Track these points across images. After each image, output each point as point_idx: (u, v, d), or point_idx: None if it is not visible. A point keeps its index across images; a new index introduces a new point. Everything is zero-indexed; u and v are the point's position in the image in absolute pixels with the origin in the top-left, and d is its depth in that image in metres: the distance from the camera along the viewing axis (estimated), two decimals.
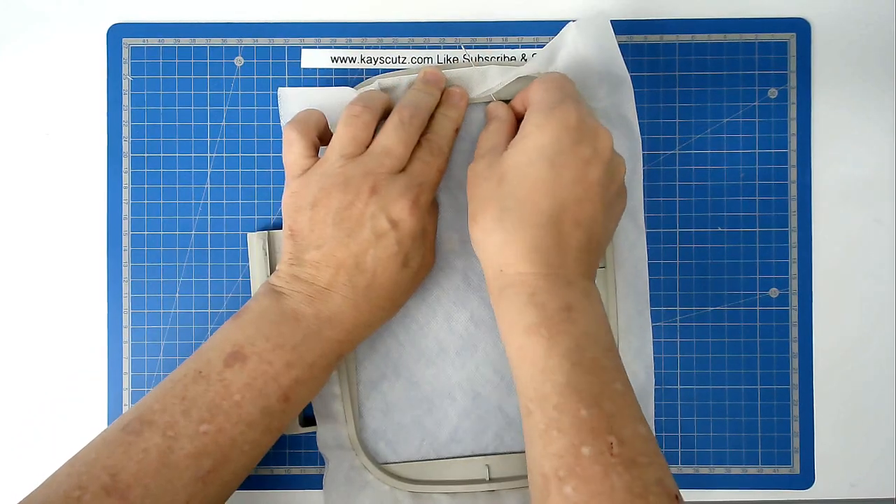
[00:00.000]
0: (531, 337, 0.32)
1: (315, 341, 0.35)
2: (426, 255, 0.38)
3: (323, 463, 0.42)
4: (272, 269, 0.41)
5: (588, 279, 0.34)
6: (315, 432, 0.41)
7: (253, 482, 0.43)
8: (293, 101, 0.40)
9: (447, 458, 0.41)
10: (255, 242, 0.41)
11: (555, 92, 0.35)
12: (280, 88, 0.41)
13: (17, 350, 0.43)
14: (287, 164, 0.37)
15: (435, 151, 0.38)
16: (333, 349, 0.36)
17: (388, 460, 0.41)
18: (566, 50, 0.40)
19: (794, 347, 0.43)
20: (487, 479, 0.41)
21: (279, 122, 0.42)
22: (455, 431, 0.41)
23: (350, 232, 0.35)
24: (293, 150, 0.37)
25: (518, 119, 0.39)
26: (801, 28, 0.43)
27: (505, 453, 0.41)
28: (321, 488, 0.42)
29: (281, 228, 0.41)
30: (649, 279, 0.42)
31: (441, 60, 0.43)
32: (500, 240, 0.34)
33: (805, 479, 0.43)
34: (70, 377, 0.43)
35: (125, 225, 0.43)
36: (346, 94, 0.40)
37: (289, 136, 0.37)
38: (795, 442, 0.43)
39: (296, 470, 0.43)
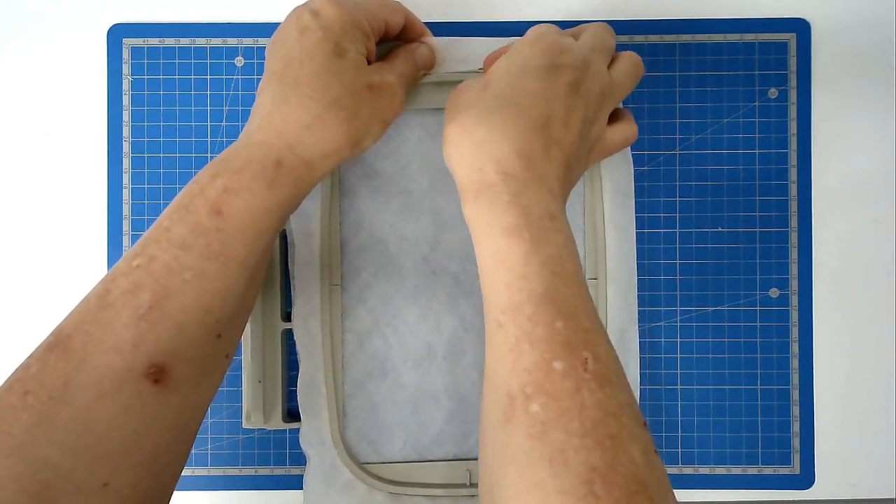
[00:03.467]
0: (511, 239, 0.30)
1: (243, 148, 0.32)
2: (382, 69, 0.36)
3: None
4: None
5: (564, 200, 0.33)
6: (298, 428, 0.41)
7: (253, 482, 0.43)
8: None
9: (429, 461, 0.41)
10: None
11: (542, 28, 0.35)
12: None
13: (18, 351, 0.43)
14: None
15: None
16: (265, 152, 0.32)
17: (370, 460, 0.41)
18: None
19: (795, 347, 0.43)
20: (468, 483, 0.41)
21: None
22: (438, 435, 0.41)
23: (281, 41, 0.34)
24: None
25: None
26: (801, 28, 0.43)
27: None
28: None
29: None
30: (649, 279, 0.42)
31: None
32: (484, 136, 0.32)
33: (805, 479, 0.43)
34: None
35: (125, 225, 0.43)
36: None
37: None
38: (795, 442, 0.43)
39: (296, 470, 0.43)
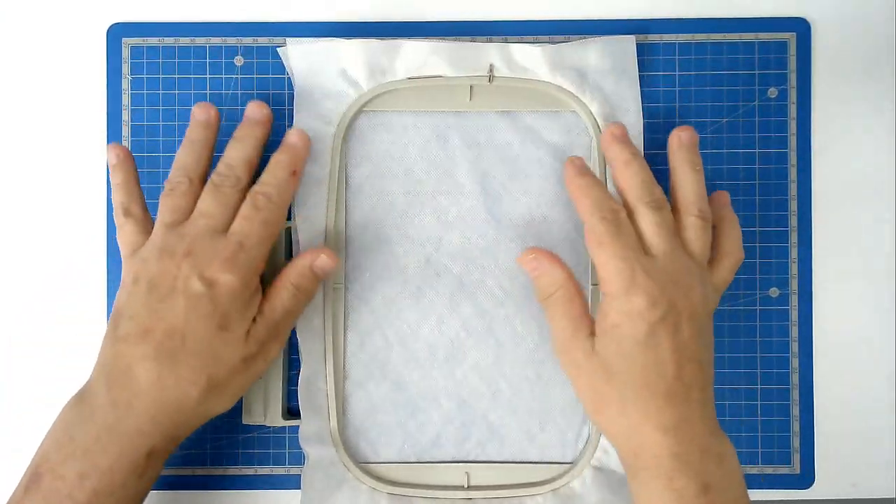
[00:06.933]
0: None
1: (111, 439, 0.31)
2: (263, 330, 0.36)
3: None
4: (268, 261, 0.41)
5: (716, 432, 0.35)
6: (297, 426, 0.41)
7: (253, 482, 0.43)
8: (296, 58, 0.41)
9: (427, 463, 0.41)
10: None
11: (618, 262, 0.34)
12: (280, 49, 0.41)
13: (15, 351, 0.43)
14: (120, 247, 0.37)
15: (259, 204, 0.36)
16: (136, 445, 0.32)
17: (369, 460, 0.41)
18: (581, 61, 0.41)
19: (795, 347, 0.43)
20: (466, 486, 0.41)
21: (280, 121, 0.42)
22: (437, 437, 0.42)
23: (162, 298, 0.34)
24: (122, 232, 0.37)
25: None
26: (801, 28, 0.43)
27: (485, 462, 0.41)
28: None
29: None
30: None
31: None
32: (628, 427, 0.34)
33: (805, 479, 0.43)
34: (70, 379, 0.43)
35: None
36: (348, 47, 0.41)
37: (116, 220, 0.38)
38: (795, 442, 0.43)
39: (295, 470, 0.43)
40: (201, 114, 0.38)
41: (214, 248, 0.34)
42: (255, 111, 0.38)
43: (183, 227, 0.36)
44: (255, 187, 0.37)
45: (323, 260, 0.38)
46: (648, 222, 0.36)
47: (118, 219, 0.38)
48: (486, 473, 0.41)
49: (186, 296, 0.33)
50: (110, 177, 0.39)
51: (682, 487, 0.33)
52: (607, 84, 0.41)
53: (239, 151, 0.37)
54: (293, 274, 0.37)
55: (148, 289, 0.34)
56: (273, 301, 0.37)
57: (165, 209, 0.37)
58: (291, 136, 0.38)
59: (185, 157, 0.38)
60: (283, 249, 0.41)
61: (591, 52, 0.41)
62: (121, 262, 0.43)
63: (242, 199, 0.37)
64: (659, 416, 0.34)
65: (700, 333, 0.35)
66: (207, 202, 0.36)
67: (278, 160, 0.38)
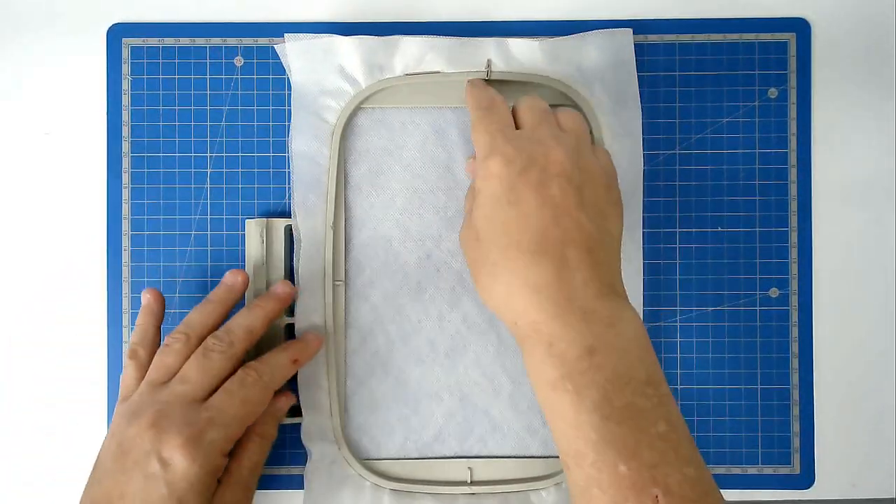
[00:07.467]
0: (556, 392, 0.31)
1: None
2: (230, 497, 0.35)
3: None
4: (268, 258, 0.41)
5: (609, 296, 0.32)
6: (300, 423, 0.41)
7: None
8: (293, 55, 0.41)
9: (430, 458, 0.42)
10: (253, 229, 0.41)
11: (483, 136, 0.35)
12: (277, 45, 0.41)
13: (15, 351, 0.43)
14: (119, 385, 0.37)
15: (248, 380, 0.36)
16: None
17: (371, 456, 0.42)
18: (579, 55, 0.41)
19: (795, 347, 0.43)
20: (469, 481, 0.41)
21: (279, 121, 0.42)
22: (440, 432, 0.42)
23: (125, 469, 0.33)
24: (124, 372, 0.37)
25: None
26: (801, 28, 0.43)
27: (488, 457, 0.42)
28: None
29: (279, 218, 0.42)
30: (649, 279, 0.42)
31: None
32: (503, 294, 0.33)
33: (805, 479, 0.43)
34: (69, 378, 0.43)
35: (125, 225, 0.43)
36: (345, 44, 0.41)
37: (124, 359, 0.37)
38: (795, 442, 0.43)
39: (296, 470, 0.43)
40: (230, 278, 0.39)
41: (183, 419, 0.33)
42: (282, 288, 0.39)
43: (161, 390, 0.35)
44: (252, 361, 0.37)
45: (283, 402, 0.40)
46: (522, 106, 0.36)
47: (125, 358, 0.38)
48: (489, 468, 0.41)
49: (144, 475, 0.33)
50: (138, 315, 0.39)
51: (563, 351, 0.31)
52: (606, 77, 0.41)
53: (244, 318, 0.38)
54: (258, 425, 0.37)
55: (116, 452, 0.34)
56: (241, 459, 0.36)
57: (154, 365, 0.36)
58: (310, 336, 0.40)
59: (195, 314, 0.38)
60: (263, 246, 0.41)
61: (590, 45, 0.41)
62: (120, 264, 0.43)
63: (231, 367, 0.36)
64: (527, 274, 0.32)
65: (580, 193, 0.33)
66: (190, 367, 0.36)
67: (287, 345, 0.39)
